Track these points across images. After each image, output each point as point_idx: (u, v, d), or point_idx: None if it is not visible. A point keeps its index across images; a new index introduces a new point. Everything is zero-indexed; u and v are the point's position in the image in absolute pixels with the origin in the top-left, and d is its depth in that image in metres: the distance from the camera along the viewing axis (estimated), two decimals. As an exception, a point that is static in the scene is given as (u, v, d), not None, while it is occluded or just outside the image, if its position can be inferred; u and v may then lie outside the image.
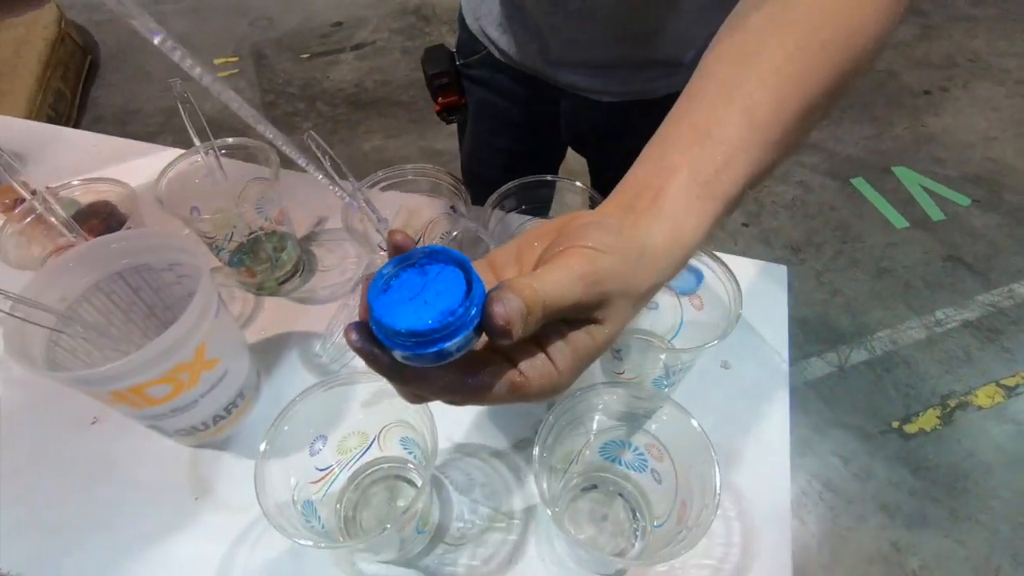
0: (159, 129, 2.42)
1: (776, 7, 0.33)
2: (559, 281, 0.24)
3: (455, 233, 0.48)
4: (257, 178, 0.56)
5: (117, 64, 2.60)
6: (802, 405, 1.44)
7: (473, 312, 0.23)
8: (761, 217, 1.88)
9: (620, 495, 0.44)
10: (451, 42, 0.81)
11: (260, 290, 0.58)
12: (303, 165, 0.28)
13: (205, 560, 0.43)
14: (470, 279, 0.24)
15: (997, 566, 1.19)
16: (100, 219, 0.56)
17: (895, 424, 1.41)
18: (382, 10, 2.85)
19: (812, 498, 1.28)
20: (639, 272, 0.27)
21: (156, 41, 0.21)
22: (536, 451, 0.35)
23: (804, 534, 1.23)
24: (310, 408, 0.38)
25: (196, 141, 0.52)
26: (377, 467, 0.45)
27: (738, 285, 0.41)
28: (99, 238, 0.42)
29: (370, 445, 0.44)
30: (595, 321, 0.27)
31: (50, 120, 2.07)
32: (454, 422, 0.49)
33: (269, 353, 0.54)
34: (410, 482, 0.45)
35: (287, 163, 0.40)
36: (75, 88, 2.32)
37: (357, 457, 0.44)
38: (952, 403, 1.44)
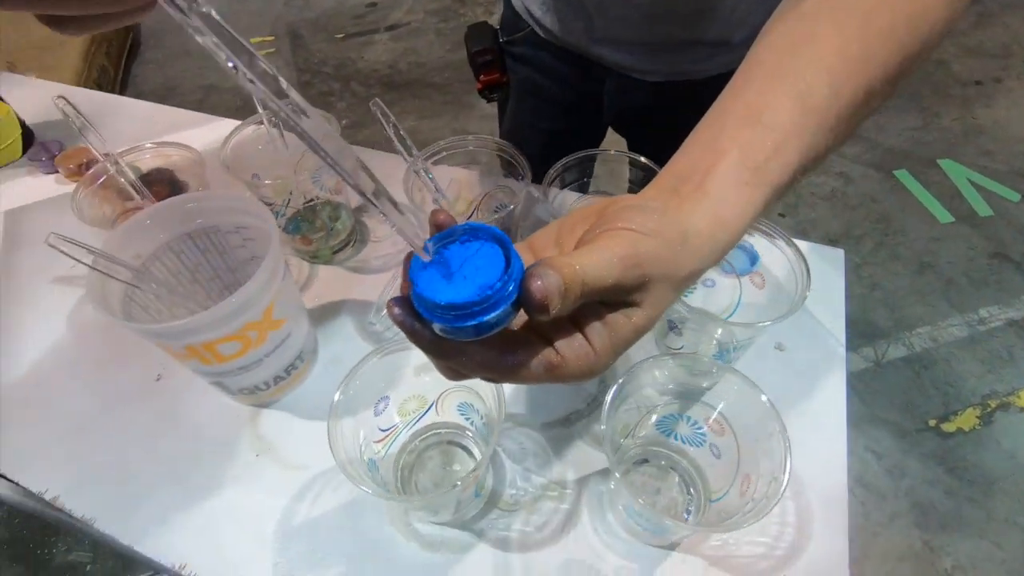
0: (197, 106, 2.46)
1: None
2: (598, 261, 0.24)
3: (511, 207, 0.48)
4: (316, 147, 0.57)
5: (156, 42, 2.64)
6: (836, 399, 1.42)
7: (511, 287, 0.23)
8: (799, 208, 1.84)
9: (672, 469, 0.44)
10: (493, 21, 0.81)
11: (314, 258, 0.59)
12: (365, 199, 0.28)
13: (267, 513, 0.44)
14: (508, 255, 0.24)
15: (1035, 570, 1.17)
16: (163, 184, 0.57)
17: (932, 422, 1.38)
18: (417, -10, 2.84)
19: (843, 492, 1.27)
20: (681, 256, 0.27)
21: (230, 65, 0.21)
22: (605, 413, 0.35)
23: (834, 528, 1.22)
24: (376, 369, 0.39)
25: (260, 108, 0.53)
26: (433, 432, 0.46)
27: (807, 267, 0.41)
28: (175, 198, 0.43)
29: (428, 409, 0.44)
30: (634, 304, 0.26)
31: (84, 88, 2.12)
32: (507, 394, 0.49)
33: (324, 320, 0.55)
34: (464, 448, 0.46)
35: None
36: (118, 64, 2.37)
37: (415, 420, 0.45)
38: (993, 403, 1.40)
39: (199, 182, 0.55)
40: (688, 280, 0.28)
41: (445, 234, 0.25)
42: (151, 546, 0.43)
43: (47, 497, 0.45)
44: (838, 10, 0.31)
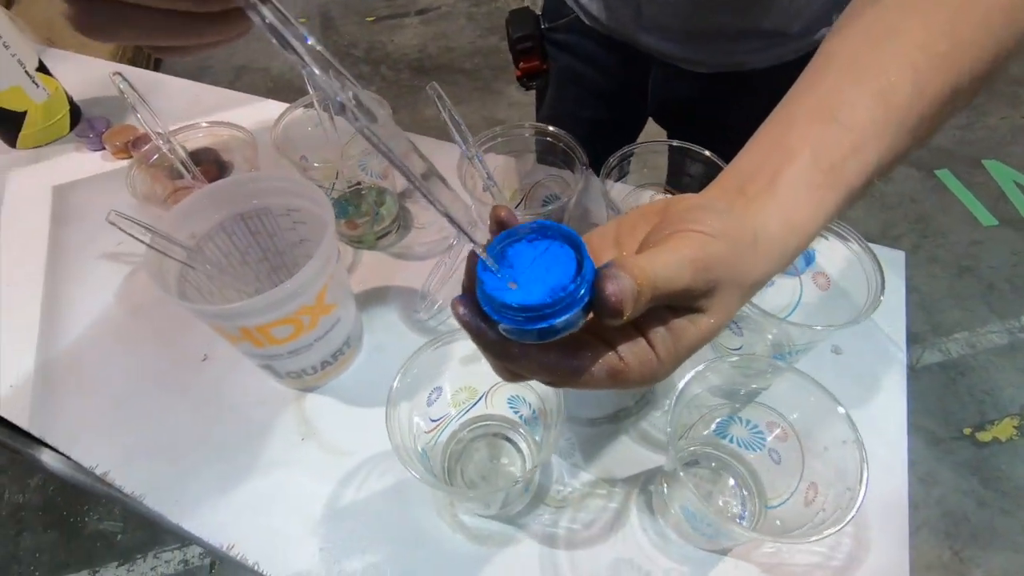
0: (229, 86, 2.48)
1: None
2: (668, 264, 0.23)
3: (564, 199, 0.47)
4: (364, 130, 0.56)
5: (190, 20, 2.66)
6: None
7: (584, 290, 0.22)
8: (835, 206, 1.80)
9: (724, 471, 0.43)
10: (533, 6, 0.79)
11: (359, 243, 0.59)
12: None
13: (313, 498, 0.44)
14: (581, 256, 0.23)
15: (1071, 587, 1.14)
16: (211, 163, 0.57)
17: (967, 431, 1.34)
18: (449, -26, 2.81)
19: (872, 498, 1.24)
20: (750, 261, 0.26)
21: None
22: (672, 414, 0.34)
23: (861, 533, 1.20)
24: (432, 359, 0.39)
25: (310, 89, 0.52)
26: (481, 423, 0.45)
27: (880, 271, 0.39)
28: (232, 178, 0.43)
29: (478, 401, 0.44)
30: (699, 310, 0.25)
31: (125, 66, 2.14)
32: (554, 390, 0.49)
33: (368, 306, 0.55)
34: (511, 441, 0.46)
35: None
36: (152, 42, 2.39)
37: (465, 411, 0.44)
38: (1032, 414, 1.36)
39: (249, 163, 0.54)
40: (756, 287, 0.27)
41: (511, 232, 0.24)
42: (200, 525, 0.43)
43: (98, 472, 0.46)
44: (925, 1, 0.29)
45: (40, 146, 0.71)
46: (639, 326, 0.25)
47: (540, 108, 0.89)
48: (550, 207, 0.46)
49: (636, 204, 0.51)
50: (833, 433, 0.34)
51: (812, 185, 0.27)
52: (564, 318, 0.22)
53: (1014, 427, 1.34)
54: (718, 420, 0.41)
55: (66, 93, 0.72)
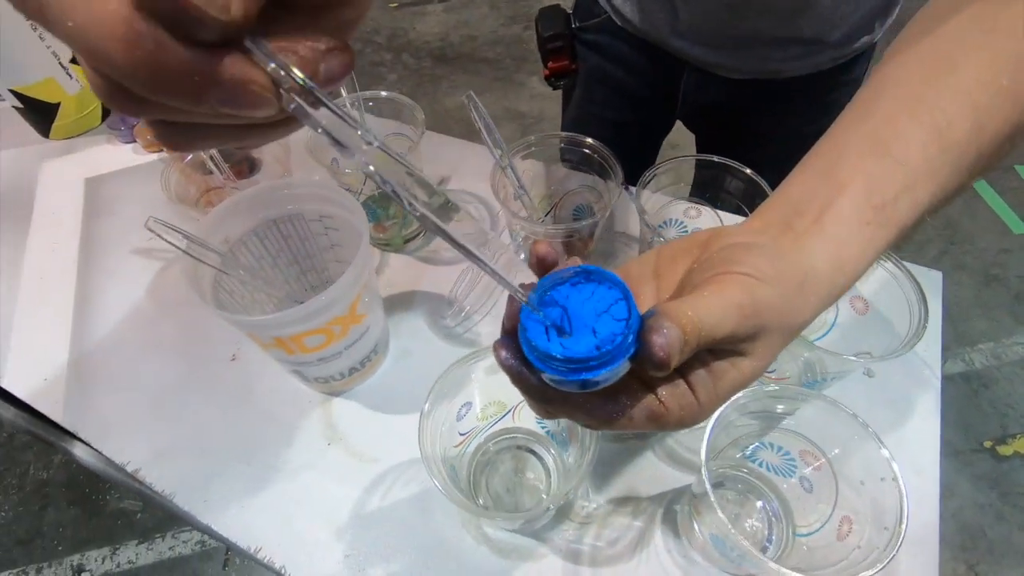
0: (250, 71, 2.48)
1: (985, 7, 0.28)
2: (713, 310, 0.22)
3: (598, 217, 0.46)
4: (396, 133, 0.56)
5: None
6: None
7: (631, 339, 0.22)
8: (860, 209, 1.76)
9: (750, 494, 0.43)
10: (565, 3, 0.77)
11: (387, 246, 0.59)
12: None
13: (339, 503, 0.45)
14: (629, 305, 0.22)
15: (1089, 607, 1.12)
16: (242, 162, 0.57)
17: (987, 443, 1.32)
18: (473, -39, 2.77)
19: (888, 508, 1.23)
20: (798, 304, 0.25)
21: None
22: (706, 440, 0.33)
23: (875, 544, 1.19)
24: (463, 373, 0.39)
25: (343, 92, 0.52)
26: (507, 436, 0.45)
27: (922, 295, 0.38)
28: (268, 183, 0.43)
29: (505, 414, 0.44)
30: (742, 353, 0.24)
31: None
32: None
33: (395, 311, 0.55)
34: (535, 454, 0.46)
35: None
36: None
37: (492, 424, 0.44)
38: (1056, 429, 1.33)
39: (280, 164, 0.54)
40: (801, 328, 0.26)
41: (555, 276, 0.24)
42: (227, 526, 0.44)
43: (129, 469, 0.47)
44: (988, 33, 0.28)
45: (72, 137, 0.72)
46: (679, 368, 0.24)
47: (566, 108, 0.88)
48: (583, 223, 0.45)
49: (670, 216, 0.51)
50: (871, 469, 0.33)
51: (862, 222, 0.26)
52: (610, 369, 0.22)
53: (1036, 442, 1.32)
54: (748, 444, 0.41)
55: (98, 84, 0.73)
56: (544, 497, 0.43)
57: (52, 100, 0.68)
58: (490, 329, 0.53)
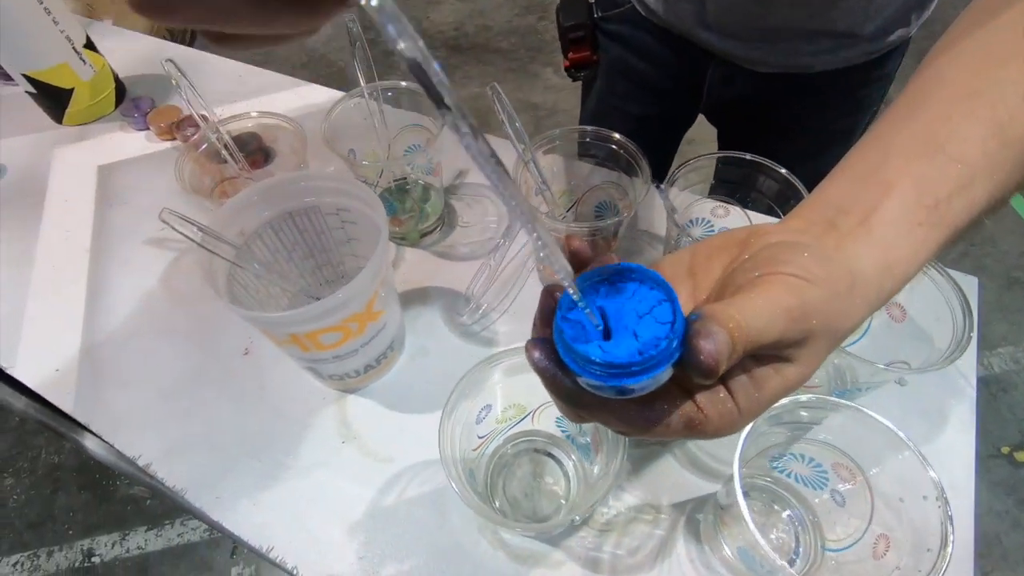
0: (262, 60, 2.47)
1: None
2: (760, 314, 0.21)
3: (624, 215, 0.44)
4: (414, 124, 0.54)
5: (227, -11, 2.64)
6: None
7: (675, 344, 0.20)
8: (879, 208, 1.73)
9: (775, 504, 0.42)
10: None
11: (402, 240, 0.58)
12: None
13: (353, 503, 0.44)
14: (674, 307, 0.21)
15: (1107, 618, 1.10)
16: (257, 152, 0.56)
17: (1005, 450, 1.30)
18: (488, -51, 2.74)
19: (901, 513, 1.21)
20: (847, 308, 0.23)
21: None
22: (739, 452, 0.32)
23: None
24: (484, 376, 0.37)
25: (362, 81, 0.50)
26: (525, 438, 0.44)
27: (965, 303, 0.36)
28: (285, 175, 0.42)
29: (524, 417, 0.43)
30: (786, 359, 0.23)
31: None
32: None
33: (411, 307, 0.54)
34: (554, 457, 0.44)
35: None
36: (190, 11, 2.38)
37: (510, 426, 0.43)
38: (1077, 437, 1.31)
39: (296, 154, 0.53)
40: (847, 334, 0.25)
41: (592, 273, 0.22)
42: (239, 524, 0.43)
43: (140, 463, 0.46)
44: None
45: (85, 124, 0.71)
46: None
47: (585, 100, 0.86)
48: (608, 221, 0.43)
49: (696, 215, 0.49)
50: (912, 486, 0.32)
51: (913, 223, 0.24)
52: (652, 376, 0.20)
53: (1056, 449, 1.29)
54: (776, 454, 0.39)
55: (112, 70, 0.72)
56: (563, 503, 0.42)
57: (65, 86, 0.67)
58: (508, 328, 0.52)
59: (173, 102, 0.70)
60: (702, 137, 0.90)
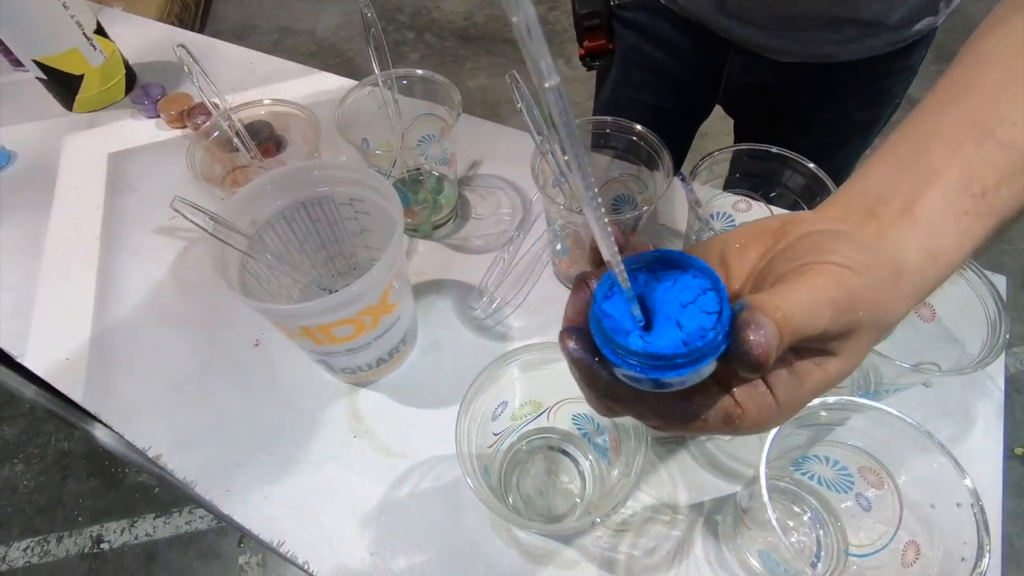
0: (272, 48, 2.46)
1: None
2: (805, 305, 0.20)
3: (644, 208, 0.43)
4: (428, 114, 0.53)
5: (237, -22, 2.62)
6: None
7: (721, 336, 0.19)
8: (894, 204, 1.70)
9: (794, 505, 0.41)
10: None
11: (415, 232, 0.57)
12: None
13: (364, 498, 0.43)
14: (720, 296, 0.20)
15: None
16: (269, 140, 0.55)
17: (1019, 451, 1.28)
18: (500, -63, 2.70)
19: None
20: (892, 299, 0.22)
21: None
22: (765, 454, 0.31)
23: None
24: (500, 373, 0.36)
25: (376, 69, 0.49)
26: (540, 435, 0.43)
27: (1000, 306, 0.35)
28: (298, 164, 0.41)
29: (540, 414, 0.42)
30: (829, 353, 0.22)
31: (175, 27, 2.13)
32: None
33: (423, 299, 0.53)
34: (569, 455, 0.44)
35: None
36: (199, -1, 2.37)
37: (525, 423, 0.42)
38: (1092, 438, 1.29)
39: (308, 143, 0.52)
40: (892, 327, 0.24)
41: (629, 261, 0.21)
42: (250, 518, 0.43)
43: (150, 454, 0.46)
44: None
45: (96, 111, 0.70)
46: None
47: (599, 90, 0.84)
48: (627, 215, 0.42)
49: (717, 209, 0.48)
50: (945, 493, 0.30)
51: (959, 211, 0.24)
52: (695, 369, 0.19)
53: (1070, 451, 1.28)
54: (798, 455, 0.38)
55: (122, 56, 0.71)
56: (578, 502, 0.41)
57: (76, 72, 0.66)
58: (521, 322, 0.51)
59: (184, 89, 0.70)
60: (713, 131, 0.88)
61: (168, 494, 1.31)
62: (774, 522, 0.29)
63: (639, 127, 0.44)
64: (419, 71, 0.50)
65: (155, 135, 0.68)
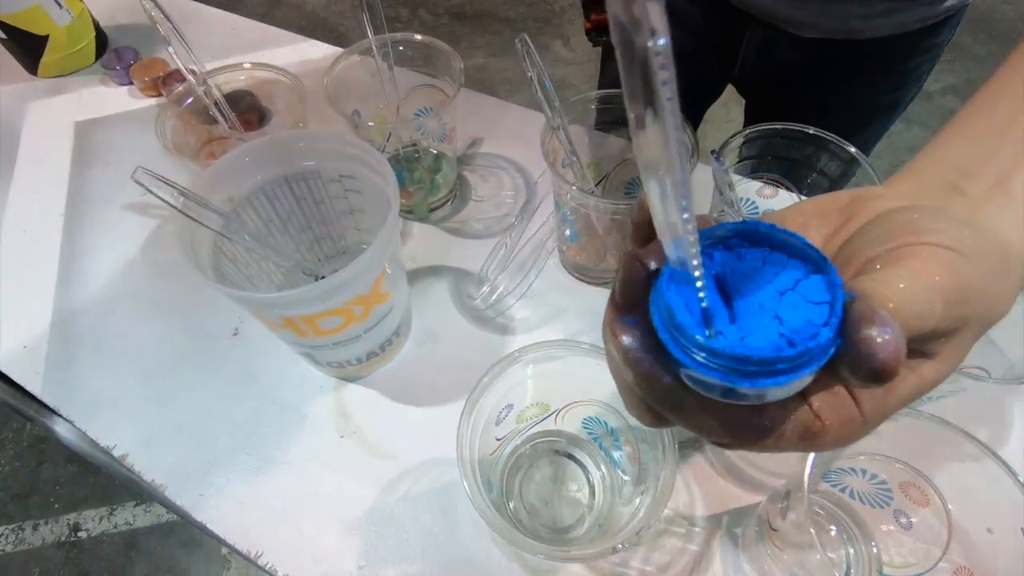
0: (260, 17, 2.37)
1: None
2: (915, 296, 0.16)
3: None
4: (427, 85, 0.49)
5: (224, -54, 2.52)
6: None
7: (834, 335, 0.15)
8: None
9: (819, 516, 0.38)
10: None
11: (410, 214, 0.52)
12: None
13: (352, 505, 0.39)
14: (833, 284, 0.16)
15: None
16: (252, 110, 0.51)
17: None
18: (498, -89, 2.62)
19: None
20: (1002, 289, 0.19)
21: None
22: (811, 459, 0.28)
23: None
24: (506, 375, 0.33)
25: (370, 33, 0.44)
26: (545, 439, 0.40)
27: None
28: (280, 134, 0.36)
29: (547, 416, 0.38)
30: (926, 354, 0.18)
31: (159, -1, 2.04)
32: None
33: (418, 287, 0.49)
34: (577, 461, 0.40)
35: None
36: (184, -33, 2.28)
37: (531, 426, 0.38)
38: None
39: (293, 113, 0.47)
40: (993, 324, 0.20)
41: (702, 234, 0.17)
42: (224, 526, 0.39)
43: (115, 454, 0.41)
44: None
45: (63, 75, 0.65)
46: None
47: (605, 68, 0.80)
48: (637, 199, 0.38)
49: (741, 194, 0.44)
50: (1005, 517, 0.27)
51: None
52: (798, 376, 0.15)
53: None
54: (829, 466, 0.35)
55: (92, 17, 0.65)
56: (586, 512, 0.38)
57: (39, 32, 0.60)
58: (524, 313, 0.47)
59: (159, 55, 0.64)
60: (714, 117, 0.83)
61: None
62: (822, 559, 0.26)
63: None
64: (417, 36, 0.46)
65: (128, 104, 0.62)
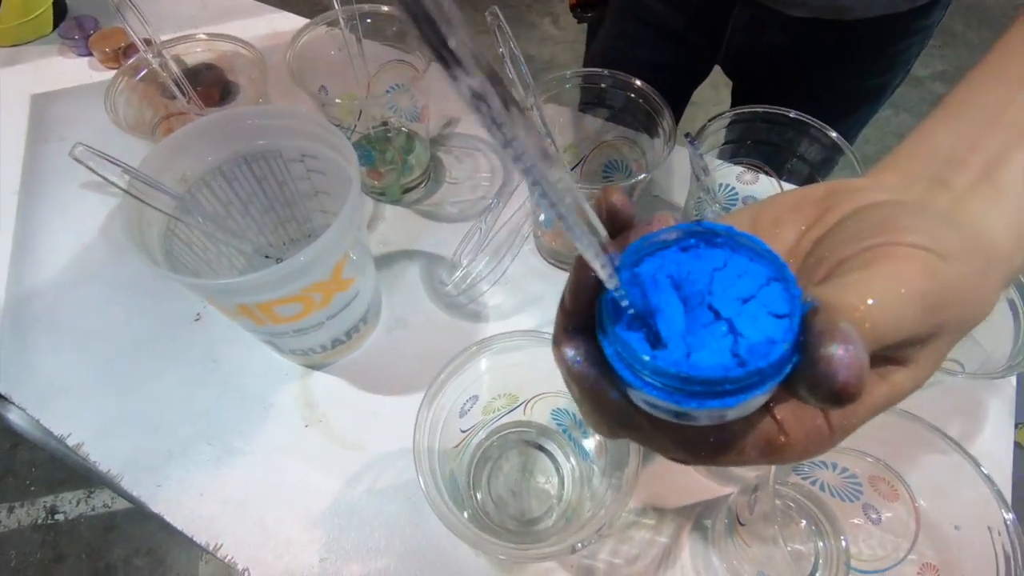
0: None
1: None
2: (889, 303, 0.15)
3: (641, 175, 0.38)
4: (398, 60, 0.47)
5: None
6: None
7: (791, 350, 0.13)
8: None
9: (789, 510, 0.37)
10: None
11: (381, 195, 0.51)
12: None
13: (316, 496, 0.38)
14: (792, 293, 0.14)
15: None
16: (214, 85, 0.48)
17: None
18: None
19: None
20: (982, 292, 0.17)
21: None
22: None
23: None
24: (471, 365, 0.31)
25: (336, 3, 0.42)
26: (514, 430, 0.39)
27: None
28: (235, 110, 0.34)
29: (515, 408, 0.37)
30: (899, 362, 0.17)
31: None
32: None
33: (388, 272, 0.47)
34: (545, 451, 0.39)
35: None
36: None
37: (498, 418, 0.37)
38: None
39: (257, 89, 0.45)
40: (974, 327, 0.19)
41: (655, 238, 0.15)
42: (182, 516, 0.38)
43: (70, 443, 0.40)
44: None
45: (17, 45, 0.61)
46: None
47: (590, 45, 0.77)
48: (620, 183, 0.37)
49: (721, 180, 0.43)
50: (973, 514, 0.27)
51: None
52: (749, 397, 0.13)
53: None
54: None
55: (48, -17, 0.62)
56: (555, 503, 0.37)
57: (-9, -3, 0.57)
58: (498, 300, 0.46)
59: (121, 25, 0.61)
60: (701, 99, 0.81)
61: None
62: (787, 554, 0.25)
63: (639, 83, 0.38)
64: (385, 7, 0.43)
65: (87, 76, 0.59)
